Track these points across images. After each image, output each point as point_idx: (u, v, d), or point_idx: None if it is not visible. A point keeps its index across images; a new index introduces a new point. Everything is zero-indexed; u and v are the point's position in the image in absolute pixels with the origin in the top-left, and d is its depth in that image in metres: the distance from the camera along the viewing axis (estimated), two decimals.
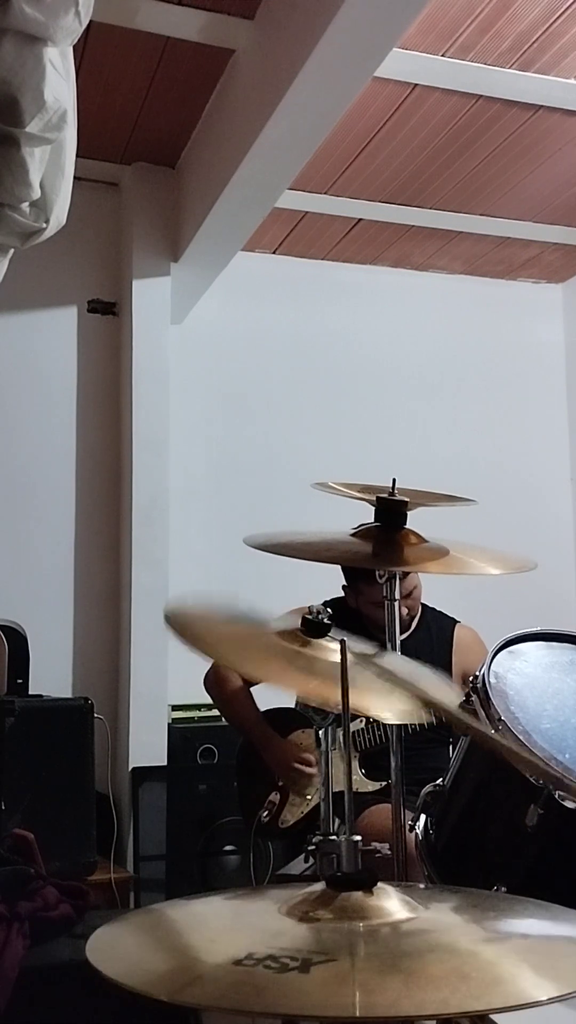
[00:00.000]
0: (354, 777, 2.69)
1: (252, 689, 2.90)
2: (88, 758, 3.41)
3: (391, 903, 0.86)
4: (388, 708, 1.58)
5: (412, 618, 2.83)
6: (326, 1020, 0.73)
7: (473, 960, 0.77)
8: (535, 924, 0.94)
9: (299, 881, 1.38)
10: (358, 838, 1.00)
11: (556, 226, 4.57)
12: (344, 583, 2.88)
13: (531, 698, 1.81)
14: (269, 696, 2.90)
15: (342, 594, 2.86)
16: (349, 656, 1.43)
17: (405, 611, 2.77)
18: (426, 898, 0.91)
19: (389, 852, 1.89)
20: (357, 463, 3.69)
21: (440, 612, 2.94)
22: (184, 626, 1.56)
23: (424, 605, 2.86)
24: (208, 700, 3.83)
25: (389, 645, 2.02)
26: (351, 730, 2.69)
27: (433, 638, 2.84)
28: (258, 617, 1.61)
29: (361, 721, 2.71)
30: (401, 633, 2.73)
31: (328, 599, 2.71)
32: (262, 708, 2.89)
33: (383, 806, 2.38)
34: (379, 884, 0.89)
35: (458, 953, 0.79)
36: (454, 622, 2.94)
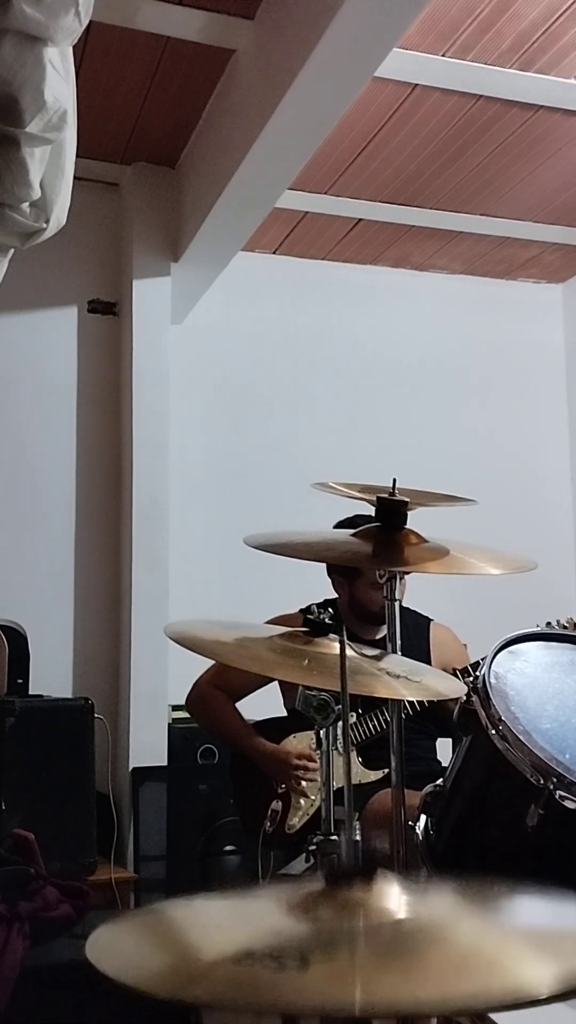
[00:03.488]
0: (355, 770, 2.70)
1: (238, 705, 2.91)
2: (88, 758, 3.41)
3: (391, 898, 0.86)
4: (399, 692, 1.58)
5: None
6: (326, 1017, 0.73)
7: (474, 955, 0.77)
8: (535, 913, 0.94)
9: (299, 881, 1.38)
10: (358, 837, 1.00)
11: (556, 226, 4.57)
12: (333, 576, 2.89)
13: (531, 698, 1.81)
14: (256, 708, 2.91)
15: (326, 597, 2.87)
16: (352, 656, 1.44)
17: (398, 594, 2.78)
18: (425, 892, 0.91)
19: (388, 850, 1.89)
20: (357, 463, 3.68)
21: (414, 611, 2.95)
22: (185, 636, 1.57)
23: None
24: None
25: (390, 645, 2.02)
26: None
27: (410, 635, 2.85)
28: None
29: (352, 715, 2.72)
30: (379, 629, 2.77)
31: (319, 602, 2.72)
32: (249, 721, 2.90)
33: (389, 791, 2.39)
34: (378, 879, 0.88)
35: (458, 948, 0.79)
36: (428, 620, 2.96)
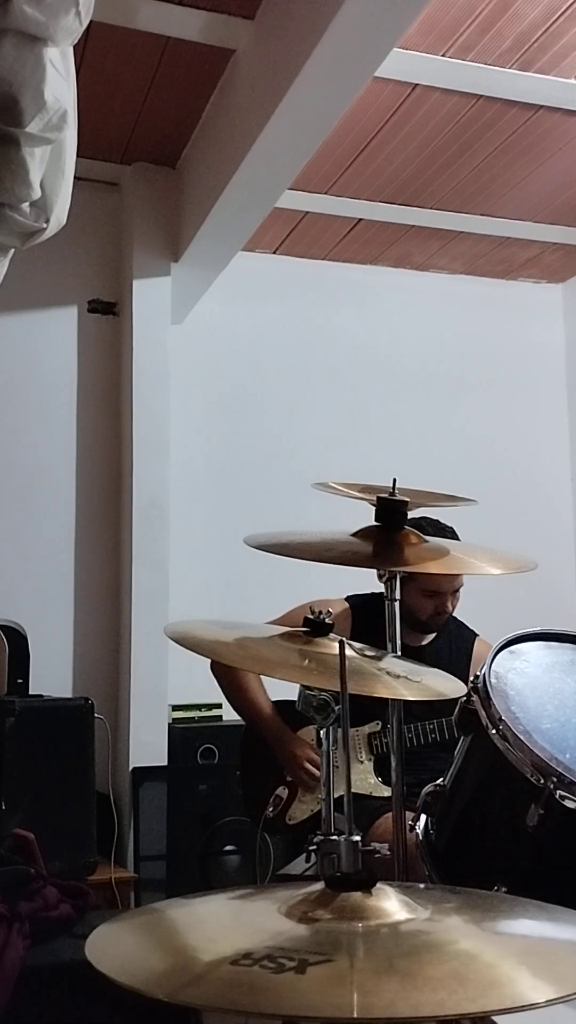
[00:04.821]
0: (371, 781, 2.68)
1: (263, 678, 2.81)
2: (88, 758, 3.41)
3: (390, 904, 0.86)
4: (399, 692, 1.58)
5: (446, 618, 2.78)
6: (323, 1021, 0.73)
7: (471, 962, 0.77)
8: (534, 925, 0.94)
9: (299, 881, 1.38)
10: (358, 838, 1.00)
11: (556, 226, 4.57)
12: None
13: (532, 698, 1.81)
14: (281, 686, 2.85)
15: (361, 591, 2.80)
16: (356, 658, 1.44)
17: (449, 607, 2.75)
18: (425, 899, 0.91)
19: (388, 853, 1.89)
20: (358, 463, 3.69)
21: (461, 623, 2.90)
22: (185, 636, 1.56)
23: None
24: (209, 700, 3.78)
25: (390, 645, 2.02)
26: (366, 732, 2.70)
27: (452, 648, 2.81)
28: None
29: (377, 724, 2.69)
30: (424, 637, 2.76)
31: (366, 593, 2.69)
32: (273, 698, 2.81)
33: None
34: (378, 885, 0.89)
35: (456, 955, 0.79)
36: (474, 635, 2.89)
